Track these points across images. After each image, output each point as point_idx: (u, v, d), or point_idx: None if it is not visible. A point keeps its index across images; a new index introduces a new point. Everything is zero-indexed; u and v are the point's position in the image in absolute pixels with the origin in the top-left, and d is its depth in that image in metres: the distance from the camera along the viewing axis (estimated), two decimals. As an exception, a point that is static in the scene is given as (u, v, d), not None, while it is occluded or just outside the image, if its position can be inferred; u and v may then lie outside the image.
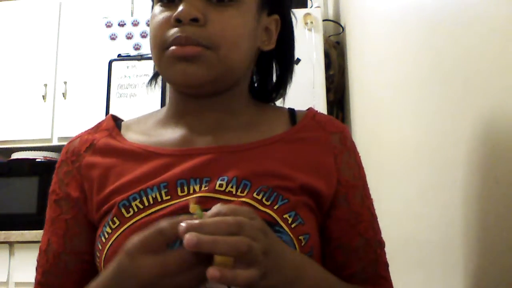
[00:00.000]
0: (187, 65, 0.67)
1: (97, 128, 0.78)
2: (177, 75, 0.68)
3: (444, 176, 0.87)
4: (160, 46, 0.69)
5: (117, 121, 0.79)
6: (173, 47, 0.67)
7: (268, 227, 0.56)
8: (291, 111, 0.79)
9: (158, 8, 0.70)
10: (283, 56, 0.80)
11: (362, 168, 0.77)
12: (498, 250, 0.64)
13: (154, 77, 0.82)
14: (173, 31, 0.67)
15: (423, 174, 1.03)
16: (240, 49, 0.70)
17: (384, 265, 0.75)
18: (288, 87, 0.82)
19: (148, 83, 0.81)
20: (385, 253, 0.75)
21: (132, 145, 0.73)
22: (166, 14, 0.69)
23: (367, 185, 0.77)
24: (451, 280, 0.81)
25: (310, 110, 0.79)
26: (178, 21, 0.66)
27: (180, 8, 0.66)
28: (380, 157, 1.55)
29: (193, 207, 0.54)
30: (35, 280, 0.74)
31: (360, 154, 0.78)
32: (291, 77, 0.82)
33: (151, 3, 0.76)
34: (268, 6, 0.74)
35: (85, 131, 0.79)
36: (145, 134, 0.75)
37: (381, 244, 0.75)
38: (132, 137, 0.75)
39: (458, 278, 0.78)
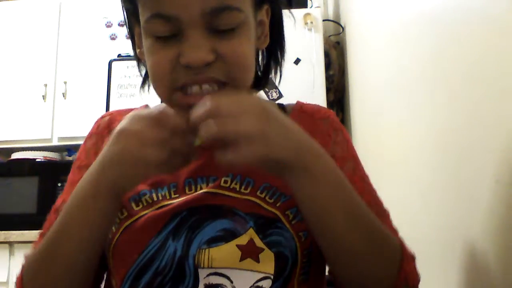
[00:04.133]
0: None
1: (130, 111, 0.77)
2: None
3: (444, 176, 0.88)
4: (168, 87, 0.63)
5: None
6: (181, 95, 0.62)
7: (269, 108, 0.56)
8: (281, 106, 0.81)
9: (153, 42, 0.62)
10: (274, 41, 0.77)
11: (351, 144, 0.78)
12: (498, 250, 0.64)
13: (146, 79, 0.78)
14: (185, 74, 0.61)
15: (422, 173, 1.03)
16: (251, 69, 0.66)
17: (389, 227, 0.69)
18: (278, 71, 0.79)
19: (141, 87, 0.79)
20: (390, 220, 0.71)
21: None
22: (167, 52, 0.61)
23: (359, 161, 0.76)
24: (451, 280, 0.81)
25: (297, 103, 0.81)
26: (188, 67, 0.60)
27: (187, 52, 0.59)
28: (380, 157, 1.55)
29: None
30: (39, 234, 0.72)
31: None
32: (282, 59, 0.79)
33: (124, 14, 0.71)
34: (259, 1, 0.71)
35: (116, 111, 0.83)
36: None
37: (382, 209, 0.71)
38: None
39: (458, 278, 0.78)
